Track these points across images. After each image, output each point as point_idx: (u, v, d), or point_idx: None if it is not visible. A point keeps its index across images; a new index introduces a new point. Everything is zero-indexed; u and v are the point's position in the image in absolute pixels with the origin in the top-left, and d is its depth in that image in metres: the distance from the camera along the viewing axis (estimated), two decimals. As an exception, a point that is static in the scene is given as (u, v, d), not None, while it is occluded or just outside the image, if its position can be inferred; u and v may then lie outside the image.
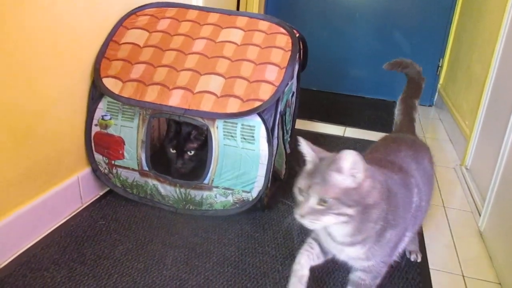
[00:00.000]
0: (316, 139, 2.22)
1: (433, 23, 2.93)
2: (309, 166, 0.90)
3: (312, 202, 0.84)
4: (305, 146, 0.90)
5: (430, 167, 1.18)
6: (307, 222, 0.85)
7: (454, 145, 2.31)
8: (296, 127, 1.98)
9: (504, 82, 1.68)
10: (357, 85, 3.19)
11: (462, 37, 2.69)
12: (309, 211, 0.84)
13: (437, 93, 3.08)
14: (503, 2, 1.80)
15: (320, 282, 1.20)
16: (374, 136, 2.31)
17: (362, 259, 0.96)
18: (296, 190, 0.89)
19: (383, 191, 0.88)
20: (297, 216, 0.85)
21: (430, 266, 1.31)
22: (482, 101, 1.87)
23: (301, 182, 0.88)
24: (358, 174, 0.84)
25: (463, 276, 1.29)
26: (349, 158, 0.82)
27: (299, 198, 0.88)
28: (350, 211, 0.84)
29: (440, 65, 3.01)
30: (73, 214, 1.43)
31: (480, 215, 1.56)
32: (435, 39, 2.96)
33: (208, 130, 1.36)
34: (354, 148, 0.81)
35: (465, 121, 2.23)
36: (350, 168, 0.83)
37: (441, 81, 3.07)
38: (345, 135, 2.37)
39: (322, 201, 0.83)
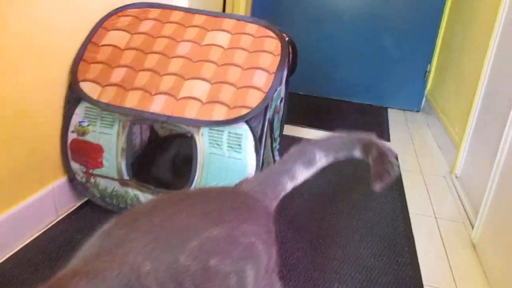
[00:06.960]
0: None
1: (421, 28, 2.90)
2: None
3: None
4: None
5: None
6: None
7: (443, 152, 2.28)
8: (283, 133, 1.92)
9: (498, 87, 1.64)
10: (345, 90, 3.15)
11: (452, 41, 2.67)
12: None
13: (424, 99, 3.05)
14: (495, 6, 1.77)
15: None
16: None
17: None
18: None
19: None
20: None
21: (424, 282, 1.26)
22: (473, 107, 1.83)
23: None
24: None
25: (458, 291, 1.25)
26: None
27: None
28: None
29: (428, 70, 2.99)
30: (47, 228, 1.34)
31: (472, 226, 1.51)
32: (424, 44, 2.94)
33: (192, 137, 1.29)
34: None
35: (454, 127, 2.20)
36: None
37: (428, 86, 3.05)
38: (333, 141, 2.32)
39: None
